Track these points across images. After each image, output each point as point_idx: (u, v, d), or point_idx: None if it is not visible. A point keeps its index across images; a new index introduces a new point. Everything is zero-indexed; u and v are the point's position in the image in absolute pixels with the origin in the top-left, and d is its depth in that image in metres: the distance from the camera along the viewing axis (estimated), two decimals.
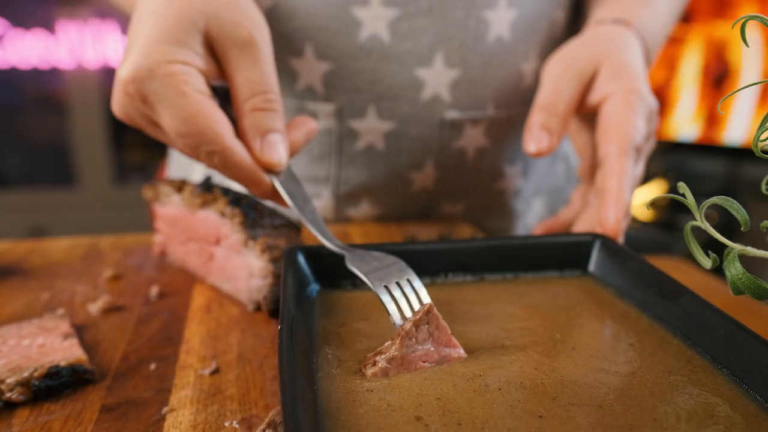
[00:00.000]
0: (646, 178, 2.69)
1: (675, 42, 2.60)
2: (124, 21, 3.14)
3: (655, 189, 2.79)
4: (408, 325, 0.38)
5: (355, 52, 0.73)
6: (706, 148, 2.68)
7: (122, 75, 0.49)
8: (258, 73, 0.52)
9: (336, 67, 0.74)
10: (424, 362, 0.38)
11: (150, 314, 0.57)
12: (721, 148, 2.62)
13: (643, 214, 2.69)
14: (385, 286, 0.43)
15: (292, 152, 0.55)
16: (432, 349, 0.38)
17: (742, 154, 2.56)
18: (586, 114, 0.66)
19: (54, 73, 3.39)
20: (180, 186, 0.64)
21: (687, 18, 2.63)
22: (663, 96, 2.74)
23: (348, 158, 0.79)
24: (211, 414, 0.41)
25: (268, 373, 0.47)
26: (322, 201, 0.83)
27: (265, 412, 0.41)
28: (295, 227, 0.61)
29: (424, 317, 0.39)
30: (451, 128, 0.78)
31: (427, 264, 0.51)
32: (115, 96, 0.52)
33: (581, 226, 0.64)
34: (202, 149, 0.49)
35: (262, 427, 0.38)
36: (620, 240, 0.56)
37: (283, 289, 0.42)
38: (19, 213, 3.49)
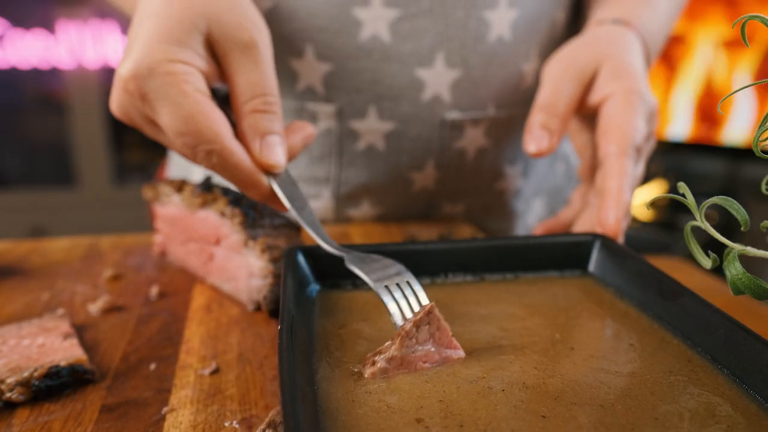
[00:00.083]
0: (646, 178, 2.68)
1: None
2: (124, 21, 3.15)
3: (655, 189, 2.79)
4: (408, 326, 0.38)
5: (355, 53, 0.73)
6: (706, 148, 2.68)
7: (122, 73, 0.49)
8: (258, 75, 0.52)
9: (336, 68, 0.74)
10: (424, 363, 0.38)
11: (150, 314, 0.57)
12: (721, 148, 2.62)
13: (643, 214, 2.69)
14: (386, 287, 0.43)
15: (290, 156, 0.54)
16: (432, 349, 0.38)
17: (742, 154, 2.56)
18: (586, 114, 0.66)
19: (54, 73, 3.38)
20: (180, 186, 0.64)
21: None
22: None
23: (348, 159, 0.79)
24: (211, 414, 0.41)
25: (268, 373, 0.47)
26: (323, 201, 0.83)
27: (265, 412, 0.41)
28: (295, 227, 0.61)
29: (425, 317, 0.39)
30: (452, 129, 0.78)
31: (427, 264, 0.51)
32: (114, 94, 0.51)
33: (581, 226, 0.64)
34: (201, 148, 0.49)
35: (262, 427, 0.38)
36: (620, 240, 0.56)
37: (283, 289, 0.42)
38: (19, 213, 3.48)
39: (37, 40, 3.31)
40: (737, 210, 0.35)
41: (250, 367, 0.47)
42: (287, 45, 0.73)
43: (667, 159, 2.82)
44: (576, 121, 0.68)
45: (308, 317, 0.43)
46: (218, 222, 0.59)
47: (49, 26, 3.31)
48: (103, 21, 3.33)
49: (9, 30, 3.28)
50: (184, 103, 0.48)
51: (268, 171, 0.52)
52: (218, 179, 0.70)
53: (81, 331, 0.53)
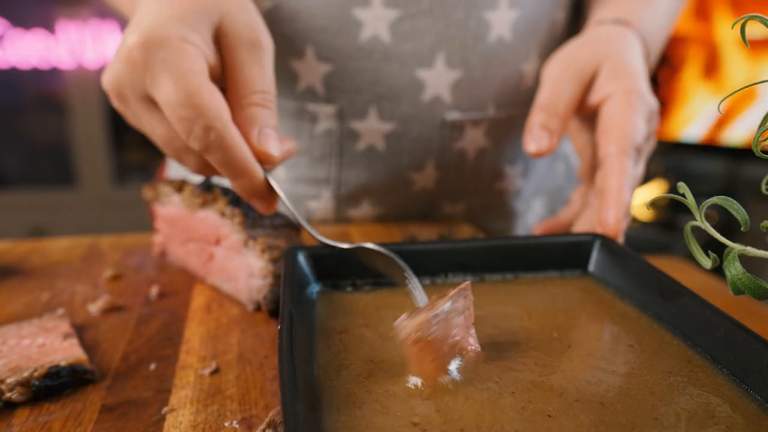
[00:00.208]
0: (646, 178, 2.68)
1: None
2: (124, 21, 3.14)
3: (655, 189, 2.79)
4: (451, 291, 0.38)
5: (355, 53, 0.73)
6: (706, 148, 2.68)
7: (131, 41, 0.48)
8: (260, 73, 0.52)
9: (337, 68, 0.74)
10: (454, 336, 0.38)
11: (150, 314, 0.57)
12: (721, 148, 2.62)
13: (643, 214, 2.69)
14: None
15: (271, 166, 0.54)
16: (463, 324, 0.38)
17: (742, 154, 2.56)
18: (586, 114, 0.66)
19: (54, 73, 3.38)
20: (180, 186, 0.64)
21: None
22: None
23: (349, 159, 0.80)
24: (211, 414, 0.41)
25: (268, 373, 0.47)
26: (323, 202, 0.83)
27: (265, 412, 0.41)
28: (295, 227, 0.61)
29: (465, 290, 0.38)
30: (452, 129, 0.78)
31: (427, 264, 0.50)
32: (112, 65, 0.50)
33: (581, 226, 0.64)
34: (200, 123, 0.47)
35: (262, 427, 0.38)
36: (620, 240, 0.56)
37: (283, 289, 0.42)
38: (19, 213, 3.48)
39: (37, 40, 3.31)
40: (737, 210, 0.35)
41: (250, 367, 0.47)
42: (288, 45, 0.73)
43: (667, 159, 2.82)
44: (576, 121, 0.68)
45: (308, 317, 0.43)
46: (218, 222, 0.59)
47: (49, 26, 3.31)
48: (103, 21, 3.33)
49: (9, 30, 3.28)
50: (191, 78, 0.47)
51: (264, 161, 0.52)
52: (218, 179, 0.70)
53: (81, 331, 0.53)
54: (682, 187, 0.38)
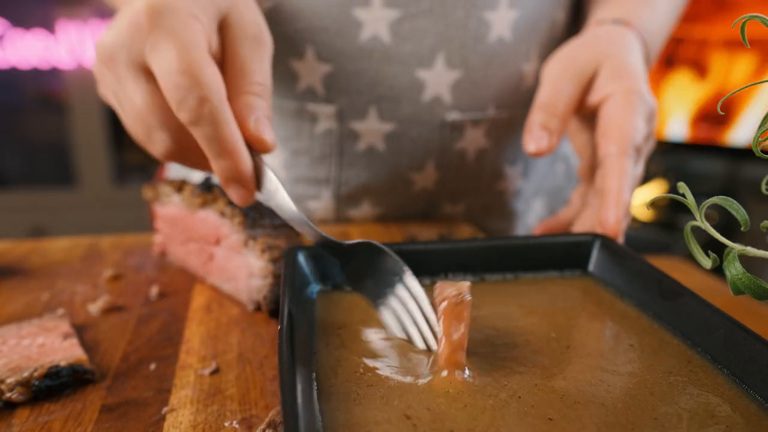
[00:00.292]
0: (646, 178, 2.68)
1: None
2: None
3: (655, 189, 2.79)
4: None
5: (355, 54, 0.73)
6: (706, 148, 2.68)
7: (138, 5, 0.47)
8: (260, 66, 0.52)
9: (337, 69, 0.74)
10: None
11: (150, 314, 0.57)
12: (721, 148, 2.62)
13: (643, 214, 2.69)
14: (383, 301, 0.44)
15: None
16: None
17: (742, 154, 2.56)
18: (585, 114, 0.66)
19: (54, 73, 3.38)
20: (180, 186, 0.64)
21: None
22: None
23: (349, 159, 0.80)
24: (211, 414, 0.41)
25: (268, 373, 0.47)
26: (323, 202, 0.83)
27: (265, 412, 0.41)
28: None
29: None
30: (452, 129, 0.78)
31: (427, 264, 0.50)
32: (113, 26, 0.49)
33: (581, 226, 0.64)
34: (196, 93, 0.45)
35: (262, 427, 0.38)
36: (620, 240, 0.56)
37: (283, 289, 0.42)
38: (19, 213, 3.48)
39: (37, 40, 3.31)
40: (737, 210, 0.35)
41: (250, 367, 0.47)
42: (288, 45, 0.73)
43: (667, 159, 2.82)
44: (575, 121, 0.68)
45: (308, 317, 0.43)
46: (218, 222, 0.59)
47: (49, 26, 3.31)
48: (103, 21, 3.33)
49: (9, 30, 3.28)
50: (193, 49, 0.46)
51: (257, 147, 0.51)
52: (217, 180, 0.69)
53: (81, 331, 0.53)
54: (682, 187, 0.38)
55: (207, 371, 0.46)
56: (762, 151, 0.33)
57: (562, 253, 0.53)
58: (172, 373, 0.47)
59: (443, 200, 0.86)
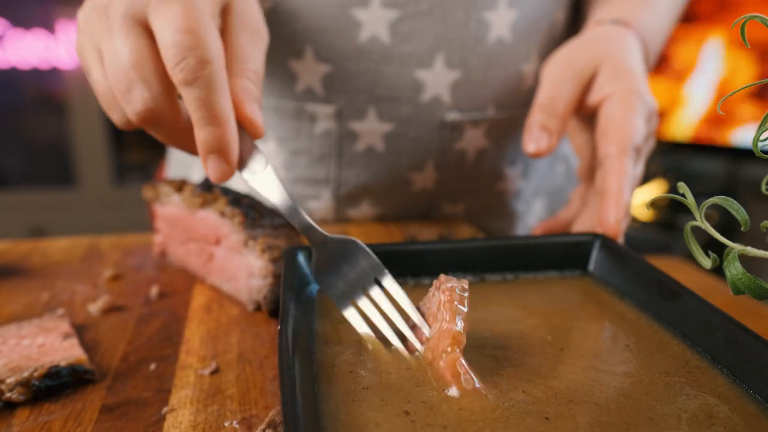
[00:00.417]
0: (646, 178, 2.68)
1: None
2: None
3: (655, 189, 2.79)
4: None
5: (355, 54, 0.73)
6: (706, 148, 2.68)
7: None
8: (256, 55, 0.53)
9: (336, 69, 0.74)
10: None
11: (150, 314, 0.57)
12: (721, 148, 2.62)
13: (643, 214, 2.69)
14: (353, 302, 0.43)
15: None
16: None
17: (742, 154, 2.56)
18: (585, 114, 0.66)
19: (54, 73, 3.39)
20: (180, 186, 0.64)
21: None
22: None
23: (348, 160, 0.80)
24: (211, 414, 0.41)
25: (268, 373, 0.47)
26: (323, 202, 0.83)
27: (265, 412, 0.41)
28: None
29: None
30: (452, 130, 0.78)
31: (427, 264, 0.51)
32: None
33: (581, 226, 0.64)
34: (196, 54, 0.45)
35: (262, 427, 0.38)
36: (620, 240, 0.56)
37: (283, 289, 0.42)
38: (19, 213, 3.49)
39: (37, 40, 3.31)
40: (737, 210, 0.35)
41: (250, 367, 0.47)
42: (287, 46, 0.73)
43: (667, 159, 2.82)
44: (575, 121, 0.68)
45: (308, 317, 0.43)
46: (218, 222, 0.59)
47: (49, 26, 3.31)
48: None
49: (9, 30, 3.28)
50: (199, 13, 0.45)
51: (249, 129, 0.50)
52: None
53: (81, 331, 0.53)
54: (682, 187, 0.38)
55: (207, 371, 0.46)
56: (762, 151, 0.33)
57: (562, 253, 0.53)
58: (172, 373, 0.47)
59: (443, 200, 0.86)
